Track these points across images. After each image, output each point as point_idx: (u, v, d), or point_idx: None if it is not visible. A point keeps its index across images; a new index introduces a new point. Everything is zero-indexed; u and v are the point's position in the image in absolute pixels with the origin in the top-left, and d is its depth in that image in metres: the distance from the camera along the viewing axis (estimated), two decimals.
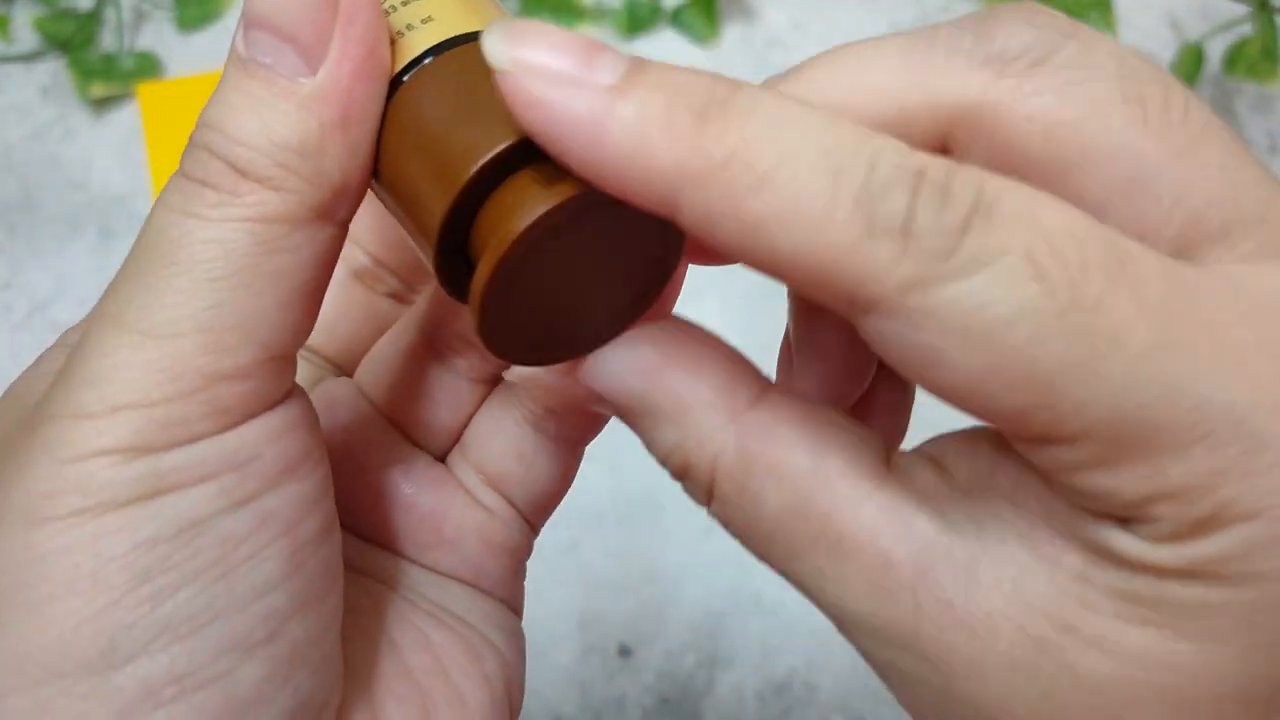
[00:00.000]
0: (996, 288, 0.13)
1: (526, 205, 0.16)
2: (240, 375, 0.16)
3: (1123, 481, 0.14)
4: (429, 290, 0.23)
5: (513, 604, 0.24)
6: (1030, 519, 0.16)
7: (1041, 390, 0.14)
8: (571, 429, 0.23)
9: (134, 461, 0.15)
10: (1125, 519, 0.15)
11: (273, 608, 0.17)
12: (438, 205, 0.16)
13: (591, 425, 0.23)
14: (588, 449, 0.24)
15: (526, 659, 0.24)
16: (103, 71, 0.62)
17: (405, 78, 0.17)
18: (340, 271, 0.23)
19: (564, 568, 0.48)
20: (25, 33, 0.65)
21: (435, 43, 0.17)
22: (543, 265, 0.16)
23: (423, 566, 0.23)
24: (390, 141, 0.17)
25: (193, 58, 0.64)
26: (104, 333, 0.16)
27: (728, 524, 0.17)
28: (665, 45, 0.67)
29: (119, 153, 0.61)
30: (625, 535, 0.48)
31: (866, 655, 0.17)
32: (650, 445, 0.18)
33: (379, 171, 0.18)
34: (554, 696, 0.45)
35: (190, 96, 0.63)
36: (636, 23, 0.67)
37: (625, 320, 0.18)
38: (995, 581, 0.15)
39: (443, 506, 0.23)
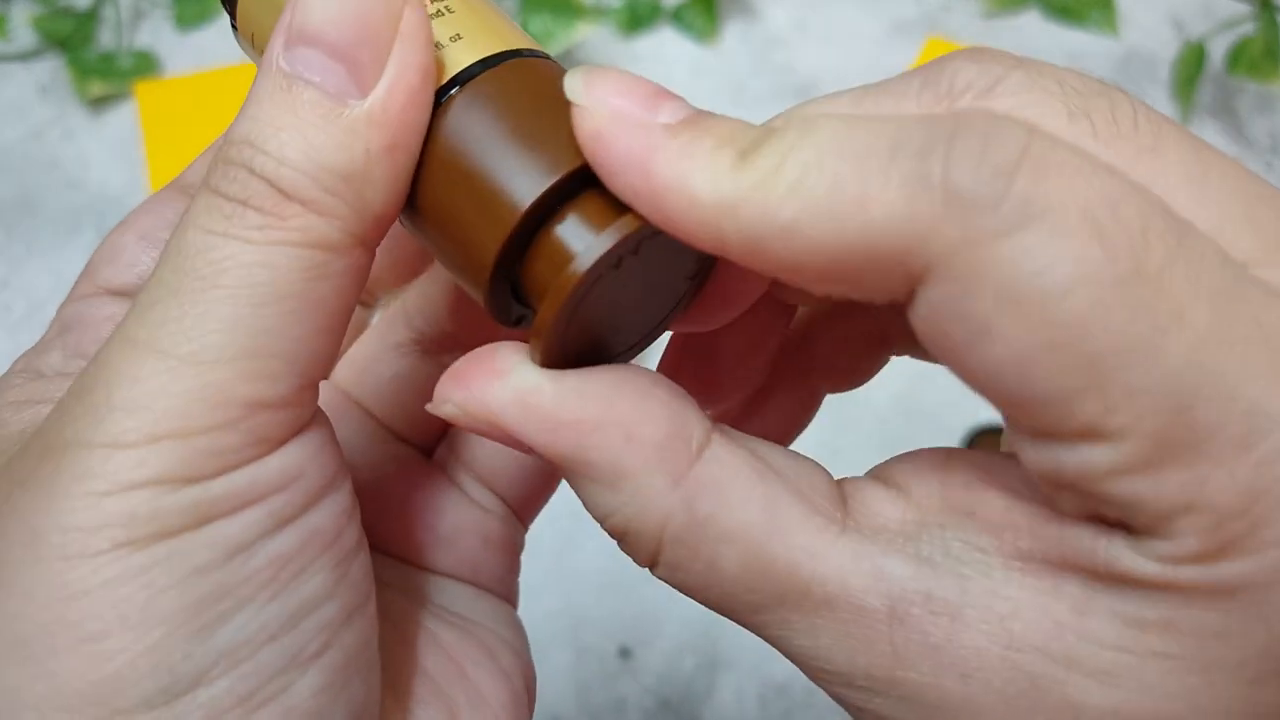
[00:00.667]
0: (1053, 246, 0.13)
1: (589, 241, 0.16)
2: (281, 404, 0.16)
3: (1159, 489, 0.13)
4: (414, 290, 0.23)
5: (510, 599, 0.24)
6: (1017, 548, 0.15)
7: (1095, 370, 0.13)
8: None
9: (179, 490, 0.15)
10: (1141, 532, 0.14)
11: (325, 620, 0.16)
12: (490, 238, 0.16)
13: None
14: None
15: None
16: (101, 70, 0.62)
17: (442, 99, 0.17)
18: None
19: (563, 569, 0.48)
20: (23, 31, 0.65)
21: (470, 63, 0.17)
22: (600, 294, 0.16)
23: (421, 568, 0.23)
24: (431, 167, 0.17)
25: (191, 56, 0.64)
26: (136, 358, 0.15)
27: (678, 585, 0.16)
28: (665, 44, 0.67)
29: (117, 152, 0.61)
30: None
31: (840, 700, 0.16)
32: (585, 504, 0.16)
33: (412, 196, 0.17)
34: (553, 698, 0.45)
35: (189, 95, 0.62)
36: (637, 21, 0.67)
37: (660, 329, 0.18)
38: (982, 619, 0.15)
39: (437, 504, 0.23)
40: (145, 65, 0.63)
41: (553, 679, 0.46)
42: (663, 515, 0.16)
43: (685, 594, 0.16)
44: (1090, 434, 0.13)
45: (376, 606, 0.21)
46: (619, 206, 0.16)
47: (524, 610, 0.25)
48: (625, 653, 0.46)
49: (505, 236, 0.16)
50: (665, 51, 0.67)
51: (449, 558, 0.23)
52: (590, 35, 0.64)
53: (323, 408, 0.23)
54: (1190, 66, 0.62)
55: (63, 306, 0.20)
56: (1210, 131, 0.63)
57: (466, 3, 0.18)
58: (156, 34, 0.65)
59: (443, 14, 0.18)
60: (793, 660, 0.16)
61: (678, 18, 0.67)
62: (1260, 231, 0.14)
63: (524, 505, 0.24)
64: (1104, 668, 0.14)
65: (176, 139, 0.60)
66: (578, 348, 0.17)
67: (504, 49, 0.17)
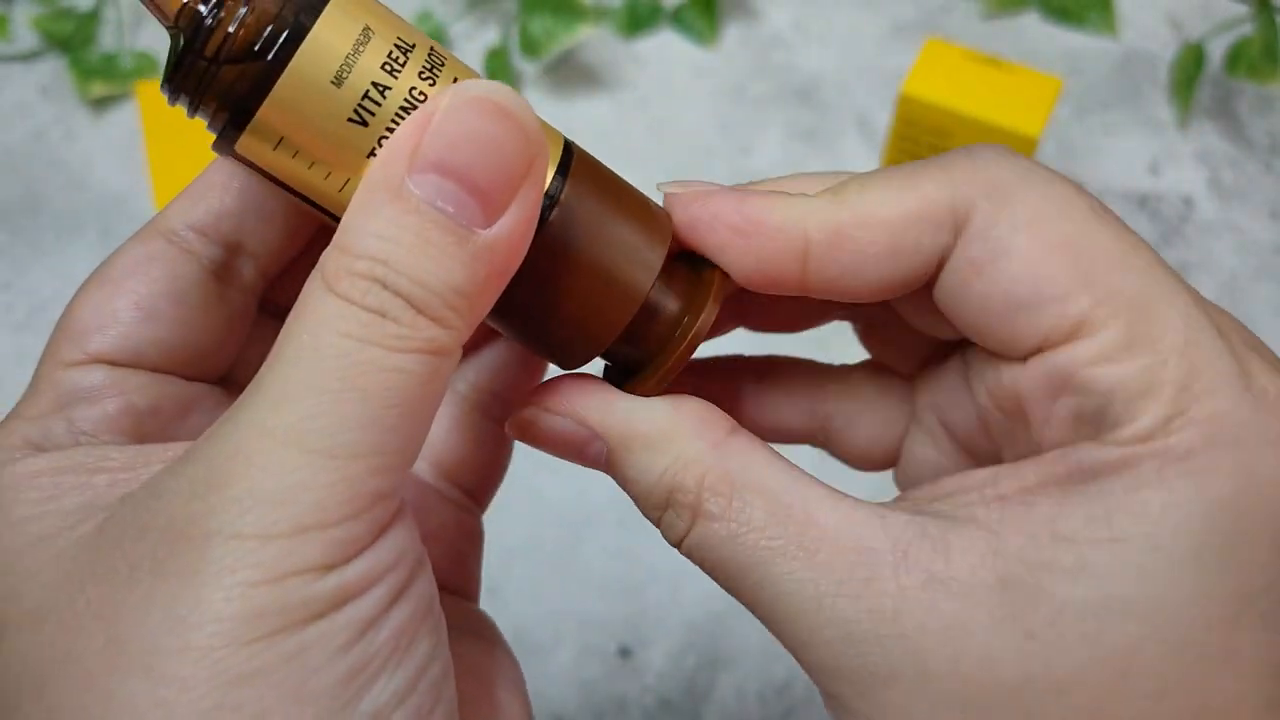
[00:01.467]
0: (1054, 190, 0.19)
1: (697, 307, 0.21)
2: (396, 492, 0.17)
3: (1128, 373, 0.18)
4: None
5: (476, 599, 0.26)
6: (997, 493, 0.19)
7: (1086, 272, 0.18)
8: (511, 409, 0.25)
9: (324, 577, 0.16)
10: (1106, 428, 0.18)
11: (434, 678, 0.18)
12: (616, 317, 0.20)
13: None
14: None
15: (527, 660, 0.25)
16: (102, 71, 0.62)
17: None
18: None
19: (564, 568, 0.48)
20: (25, 32, 0.65)
21: (552, 176, 0.19)
22: None
23: None
24: (541, 268, 0.19)
25: None
26: (278, 451, 0.16)
27: (710, 543, 0.19)
28: (665, 45, 0.67)
29: (119, 152, 0.61)
30: (625, 535, 0.48)
31: (826, 669, 0.19)
32: (638, 475, 0.20)
33: (516, 293, 0.19)
34: (554, 697, 0.45)
35: None
36: (637, 22, 0.67)
37: None
38: (970, 546, 0.18)
39: (422, 500, 0.24)
40: (147, 66, 0.63)
41: (554, 678, 0.46)
42: (702, 469, 0.19)
43: (714, 560, 0.20)
44: (1079, 330, 0.18)
45: None
46: (695, 272, 0.21)
47: (525, 610, 0.26)
48: (626, 652, 0.46)
49: (636, 309, 0.20)
50: (665, 52, 0.67)
51: (437, 553, 0.23)
52: (591, 36, 0.64)
53: None
54: (1189, 67, 0.63)
55: (50, 370, 0.20)
56: (1209, 133, 0.63)
57: (458, 67, 0.19)
58: (158, 35, 0.65)
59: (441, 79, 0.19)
60: (795, 617, 0.19)
61: (678, 19, 0.67)
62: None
63: (486, 493, 0.26)
64: (1074, 564, 0.17)
65: (178, 139, 0.61)
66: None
67: (560, 145, 0.20)
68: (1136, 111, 0.64)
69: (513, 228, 0.17)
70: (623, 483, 0.21)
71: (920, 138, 0.53)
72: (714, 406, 0.21)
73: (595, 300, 0.20)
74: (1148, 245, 0.19)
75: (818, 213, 0.19)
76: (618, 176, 0.21)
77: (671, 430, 0.20)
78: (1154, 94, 0.65)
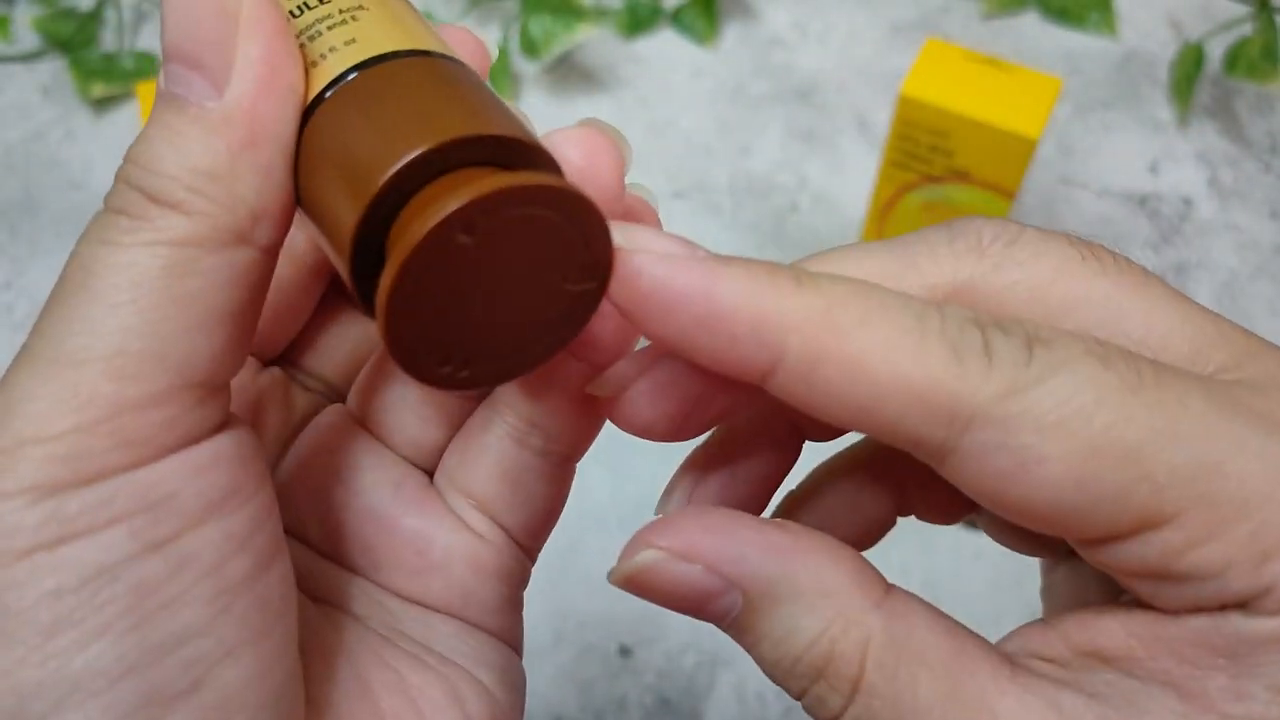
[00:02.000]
0: (1077, 378, 0.15)
1: (433, 207, 0.15)
2: (151, 403, 0.15)
3: (1234, 548, 0.15)
4: None
5: (508, 637, 0.23)
6: (1155, 673, 0.16)
7: (1136, 459, 0.15)
8: (560, 443, 0.22)
9: (39, 503, 0.15)
10: (1244, 602, 0.15)
11: (196, 655, 0.16)
12: (349, 217, 0.16)
13: (581, 437, 0.22)
14: (588, 450, 0.23)
15: (527, 660, 0.24)
16: (103, 71, 0.62)
17: (326, 96, 0.17)
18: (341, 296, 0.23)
19: (564, 568, 0.48)
20: (26, 33, 0.65)
21: (353, 64, 0.17)
22: (452, 271, 0.16)
23: (409, 600, 0.22)
24: (307, 161, 0.17)
25: None
26: (16, 366, 0.15)
27: None
28: (665, 46, 0.67)
29: (119, 153, 0.60)
30: (625, 536, 0.48)
31: None
32: (782, 636, 0.17)
33: (299, 193, 0.17)
34: (554, 696, 0.45)
35: None
36: (637, 23, 0.67)
37: (547, 349, 0.18)
38: None
39: (430, 529, 0.22)
40: (147, 66, 0.63)
41: (554, 678, 0.46)
42: (866, 633, 0.16)
43: None
44: (1149, 522, 0.15)
45: (340, 641, 0.20)
46: (473, 180, 0.16)
47: (526, 610, 0.25)
48: (626, 651, 0.46)
49: (361, 212, 0.16)
50: (665, 53, 0.67)
51: (438, 585, 0.22)
52: (591, 37, 0.64)
53: (331, 430, 0.22)
54: (1188, 67, 0.63)
55: None
56: (1209, 132, 0.63)
57: (380, 8, 0.18)
58: (159, 36, 0.65)
59: (347, 21, 0.18)
60: None
61: (677, 19, 0.68)
62: (1227, 352, 0.17)
63: (527, 532, 0.23)
64: None
65: None
66: (438, 342, 0.17)
67: (392, 50, 0.18)
68: (1136, 111, 0.64)
69: (243, 91, 0.16)
70: (752, 643, 0.17)
71: (920, 138, 0.53)
72: (864, 558, 0.18)
73: (341, 197, 0.17)
74: (1193, 382, 0.16)
75: (803, 327, 0.16)
76: (462, 90, 0.17)
77: (833, 582, 0.17)
78: (1154, 94, 0.65)
